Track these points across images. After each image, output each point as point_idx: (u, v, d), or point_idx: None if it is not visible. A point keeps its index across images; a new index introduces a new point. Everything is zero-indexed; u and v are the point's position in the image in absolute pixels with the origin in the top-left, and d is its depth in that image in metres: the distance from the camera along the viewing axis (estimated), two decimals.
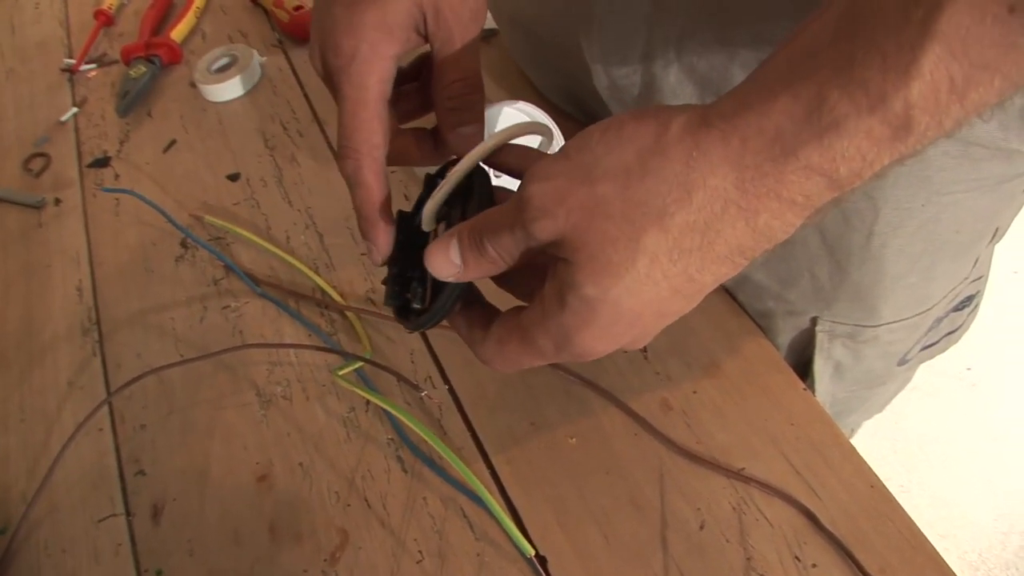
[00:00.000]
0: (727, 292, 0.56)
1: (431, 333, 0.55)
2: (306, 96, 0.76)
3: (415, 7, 0.38)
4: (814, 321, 0.56)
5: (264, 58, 0.79)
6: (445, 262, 0.34)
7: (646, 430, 0.50)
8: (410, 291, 0.38)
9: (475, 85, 0.41)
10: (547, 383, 0.52)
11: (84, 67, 0.85)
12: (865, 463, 0.48)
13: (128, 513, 0.52)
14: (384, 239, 0.40)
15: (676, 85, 0.48)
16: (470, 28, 0.40)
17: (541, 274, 0.33)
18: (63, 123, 0.80)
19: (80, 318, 0.62)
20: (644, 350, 0.53)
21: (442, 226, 0.38)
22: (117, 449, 0.55)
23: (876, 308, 0.54)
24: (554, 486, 0.48)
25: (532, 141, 0.55)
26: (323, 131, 0.72)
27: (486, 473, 0.49)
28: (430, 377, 0.53)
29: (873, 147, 0.25)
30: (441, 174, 0.41)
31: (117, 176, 0.73)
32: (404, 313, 0.39)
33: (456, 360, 0.54)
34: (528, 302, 0.34)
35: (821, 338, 0.57)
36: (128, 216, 0.69)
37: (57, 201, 0.72)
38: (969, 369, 1.56)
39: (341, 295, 0.58)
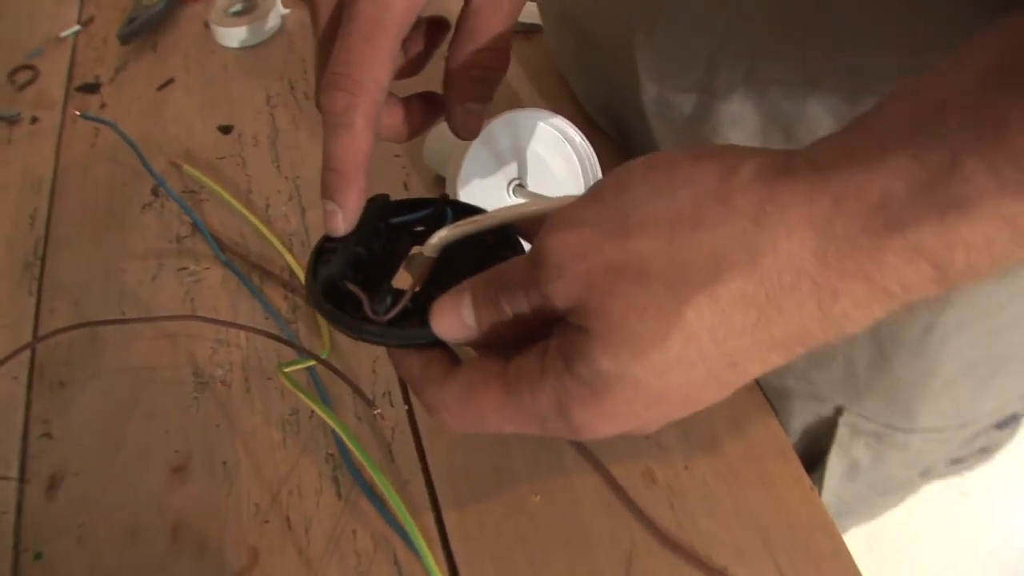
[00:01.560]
0: None
1: None
2: None
3: None
4: (838, 411, 0.49)
5: (287, 10, 0.73)
6: (455, 322, 0.28)
7: (622, 502, 0.43)
8: (370, 291, 0.32)
9: (504, 60, 0.35)
10: None
11: None
12: None
13: (21, 479, 0.45)
14: (355, 203, 0.32)
15: (737, 111, 0.41)
16: None
17: (541, 322, 0.27)
18: (62, 39, 0.74)
19: (25, 250, 0.56)
20: None
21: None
22: (28, 404, 0.48)
23: (914, 411, 0.47)
24: (505, 547, 0.41)
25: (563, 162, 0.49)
26: None
27: (431, 517, 0.42)
28: (389, 392, 0.46)
29: (1009, 239, 0.19)
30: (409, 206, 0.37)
31: (103, 105, 0.67)
32: (340, 306, 0.32)
33: None
34: (509, 351, 0.28)
35: (842, 432, 0.50)
36: (104, 150, 0.62)
37: (34, 119, 0.66)
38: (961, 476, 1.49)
39: None
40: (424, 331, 0.30)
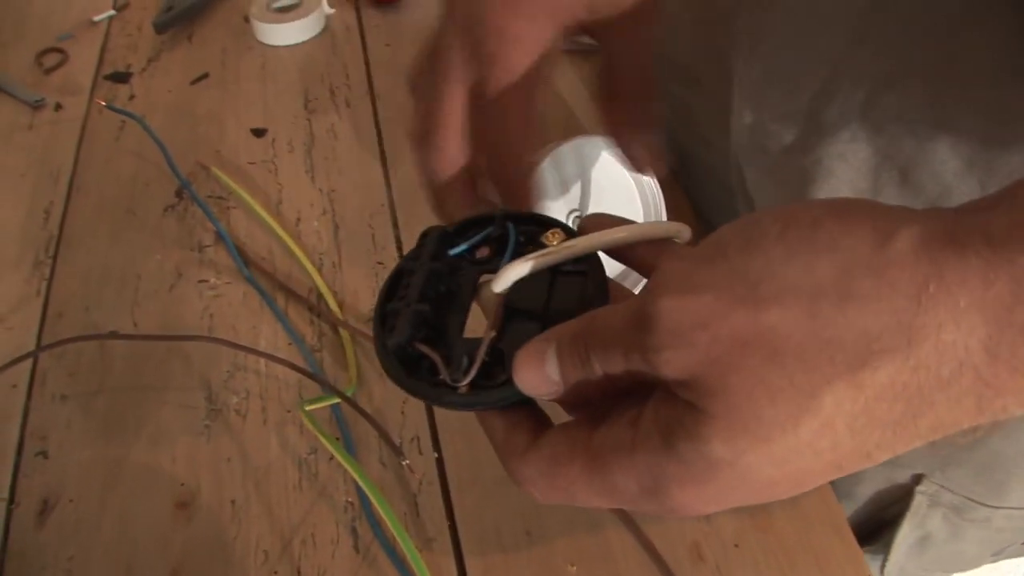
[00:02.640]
0: None
1: None
2: (367, 63, 0.66)
3: None
4: (916, 479, 0.45)
5: (332, 10, 0.70)
6: (538, 377, 0.25)
7: None
8: (443, 351, 0.29)
9: (653, 87, 0.36)
10: None
11: None
12: None
13: (12, 501, 0.41)
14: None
15: (847, 146, 0.37)
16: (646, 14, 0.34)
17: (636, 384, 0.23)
18: (95, 23, 0.71)
19: (37, 247, 0.53)
20: None
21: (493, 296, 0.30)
22: (25, 416, 0.44)
23: (1005, 487, 0.43)
24: None
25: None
26: (374, 106, 0.62)
27: None
28: (418, 438, 0.43)
29: None
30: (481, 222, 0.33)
31: (132, 97, 0.63)
32: (415, 370, 0.29)
33: (455, 425, 0.43)
34: (591, 414, 0.25)
35: (919, 501, 0.45)
36: (129, 144, 0.59)
37: (58, 106, 0.63)
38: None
39: (340, 305, 0.48)
40: (507, 393, 0.28)
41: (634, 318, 0.23)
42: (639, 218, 0.46)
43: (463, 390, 0.28)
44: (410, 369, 0.30)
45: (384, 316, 0.31)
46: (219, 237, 0.52)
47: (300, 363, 0.44)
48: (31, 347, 0.47)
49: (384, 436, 0.41)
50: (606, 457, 0.24)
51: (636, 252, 0.29)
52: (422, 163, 0.36)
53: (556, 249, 0.30)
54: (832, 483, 0.50)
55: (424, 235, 0.33)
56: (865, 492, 0.47)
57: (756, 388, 0.20)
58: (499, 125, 0.34)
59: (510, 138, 0.34)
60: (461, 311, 0.32)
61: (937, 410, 0.19)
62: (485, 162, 0.35)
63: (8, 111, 0.62)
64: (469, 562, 0.39)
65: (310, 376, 0.43)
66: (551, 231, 0.32)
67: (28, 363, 0.46)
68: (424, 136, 0.35)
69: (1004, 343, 0.18)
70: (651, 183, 0.46)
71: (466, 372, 0.28)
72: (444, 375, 0.28)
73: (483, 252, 0.33)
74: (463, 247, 0.33)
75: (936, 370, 0.19)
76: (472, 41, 0.34)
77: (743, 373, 0.20)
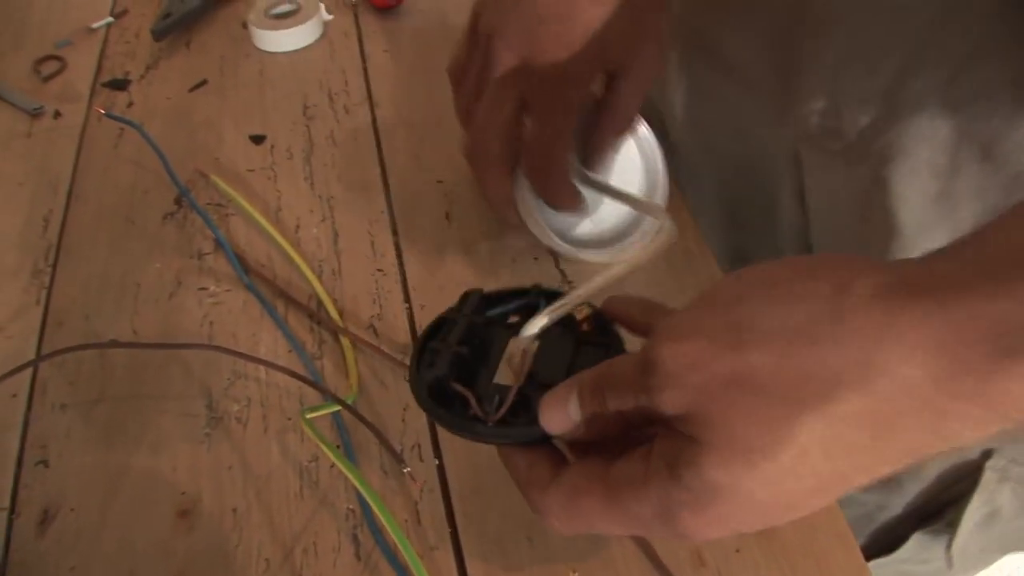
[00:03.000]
0: None
1: None
2: (365, 69, 0.66)
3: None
4: (986, 455, 0.46)
5: (331, 16, 0.70)
6: (561, 416, 0.30)
7: None
8: (478, 390, 0.34)
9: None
10: None
11: None
12: None
13: (12, 511, 0.41)
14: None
15: (927, 125, 0.37)
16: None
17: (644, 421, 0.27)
18: (93, 30, 0.71)
19: (36, 255, 0.53)
20: None
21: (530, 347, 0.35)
22: (25, 425, 0.44)
23: None
24: None
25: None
26: (373, 112, 0.62)
27: None
28: (419, 445, 0.43)
29: None
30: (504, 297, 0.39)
31: (131, 104, 0.63)
32: (447, 405, 0.34)
33: None
34: (610, 450, 0.29)
35: (988, 477, 0.46)
36: (128, 152, 0.59)
37: (56, 114, 0.63)
38: None
39: (340, 313, 0.48)
40: (533, 429, 0.31)
41: (640, 363, 0.26)
42: (639, 172, 0.50)
43: (492, 424, 0.33)
44: (441, 402, 0.34)
45: (422, 352, 0.36)
46: (218, 245, 0.52)
47: (300, 371, 0.44)
48: (31, 356, 0.47)
49: (385, 443, 0.41)
50: (621, 489, 0.27)
51: (631, 312, 0.33)
52: (479, 166, 0.46)
53: (564, 301, 0.35)
54: None
55: (465, 295, 0.38)
56: (932, 471, 0.47)
57: (743, 419, 0.23)
58: (544, 148, 0.43)
59: (553, 155, 0.43)
60: (491, 364, 0.36)
61: (901, 435, 0.22)
62: (525, 165, 0.44)
63: (6, 119, 0.62)
64: (471, 569, 0.39)
65: (311, 384, 0.43)
66: (580, 306, 0.36)
67: (28, 373, 0.46)
68: (481, 144, 0.45)
69: (948, 376, 0.21)
70: (653, 143, 0.49)
71: (497, 409, 0.33)
72: (476, 410, 0.33)
73: (514, 319, 0.38)
74: (499, 310, 0.38)
75: (894, 403, 0.22)
76: (526, 56, 0.43)
77: (731, 406, 0.24)
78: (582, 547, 0.40)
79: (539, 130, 0.43)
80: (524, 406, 0.33)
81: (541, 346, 0.35)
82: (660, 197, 0.49)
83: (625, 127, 0.46)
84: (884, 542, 0.54)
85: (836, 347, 0.22)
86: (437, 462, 0.42)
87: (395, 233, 0.53)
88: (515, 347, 0.36)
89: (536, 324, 0.35)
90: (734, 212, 0.58)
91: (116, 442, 0.43)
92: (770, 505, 0.25)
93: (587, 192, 0.47)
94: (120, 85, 0.65)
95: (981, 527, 0.49)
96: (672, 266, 0.52)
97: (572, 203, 0.45)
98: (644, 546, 0.40)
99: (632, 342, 0.35)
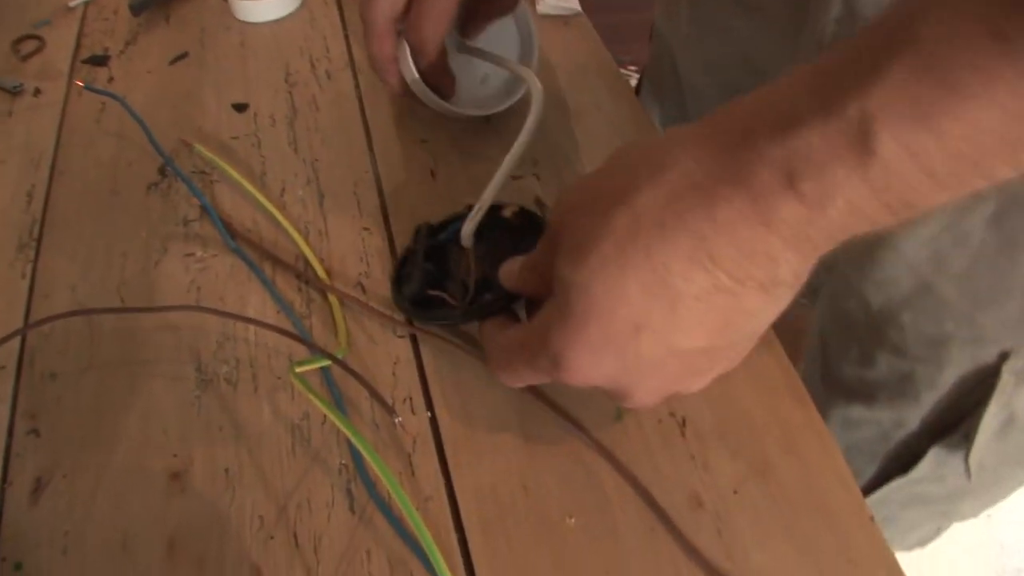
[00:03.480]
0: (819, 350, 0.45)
1: (425, 345, 0.45)
2: (346, 37, 0.65)
3: None
4: (1003, 356, 0.45)
5: None
6: (511, 275, 0.39)
7: (666, 527, 0.38)
8: (448, 290, 0.44)
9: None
10: (553, 440, 0.41)
11: None
12: None
13: (4, 480, 0.41)
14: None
15: None
16: None
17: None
18: (71, 8, 0.70)
19: (20, 230, 0.52)
20: (683, 424, 0.42)
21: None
22: (15, 396, 0.44)
23: None
24: (535, 573, 0.37)
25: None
26: (355, 78, 0.61)
27: (453, 539, 0.38)
28: (411, 398, 0.42)
29: (832, 157, 0.24)
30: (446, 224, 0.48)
31: (111, 79, 0.63)
32: (422, 304, 0.44)
33: (447, 383, 0.43)
34: None
35: (1005, 380, 0.46)
36: (110, 126, 0.59)
37: (37, 91, 0.62)
38: None
39: (327, 272, 0.48)
40: (495, 303, 0.41)
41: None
42: (516, 42, 0.57)
43: (467, 307, 0.42)
44: (422, 308, 0.44)
45: (398, 279, 0.46)
46: (204, 211, 0.51)
47: (289, 329, 0.44)
48: (19, 327, 0.46)
49: (376, 396, 0.41)
50: (529, 331, 0.34)
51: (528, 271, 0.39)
52: (366, 32, 0.50)
53: (480, 203, 0.45)
54: (915, 372, 0.49)
55: (418, 229, 0.47)
56: (949, 378, 0.47)
57: (577, 226, 0.30)
58: (422, 24, 0.47)
59: (428, 33, 0.48)
60: (451, 272, 0.45)
61: (684, 220, 0.27)
62: (406, 39, 0.49)
63: None
64: (466, 518, 0.38)
65: (299, 340, 0.43)
66: (507, 207, 0.47)
67: (16, 343, 0.46)
68: (369, 10, 0.49)
69: (707, 158, 0.27)
70: (524, 9, 0.55)
71: (465, 297, 0.43)
72: (452, 302, 0.43)
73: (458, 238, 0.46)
74: (444, 235, 0.47)
75: (674, 185, 0.28)
76: None
77: (573, 222, 0.31)
78: (578, 494, 0.39)
79: (420, 6, 0.46)
80: (487, 288, 0.42)
81: (487, 246, 0.45)
82: (533, 64, 0.54)
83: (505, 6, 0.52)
84: (900, 461, 0.54)
85: (641, 162, 0.29)
86: (429, 414, 0.42)
87: (380, 193, 0.52)
88: (461, 252, 0.45)
89: (468, 229, 0.44)
90: None
91: (106, 408, 0.43)
92: (613, 311, 0.29)
93: (468, 58, 0.54)
94: (100, 61, 0.64)
95: (998, 435, 0.49)
96: None
97: (443, 80, 0.51)
98: (640, 490, 0.40)
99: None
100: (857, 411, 0.54)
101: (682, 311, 0.28)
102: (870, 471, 0.57)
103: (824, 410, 0.55)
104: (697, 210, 0.27)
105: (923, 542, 0.65)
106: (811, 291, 0.71)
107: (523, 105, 0.56)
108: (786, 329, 0.57)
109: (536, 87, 0.49)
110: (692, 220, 0.27)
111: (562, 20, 0.65)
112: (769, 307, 0.29)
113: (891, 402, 0.51)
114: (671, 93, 0.68)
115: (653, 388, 0.32)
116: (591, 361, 0.31)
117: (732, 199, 0.26)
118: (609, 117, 0.58)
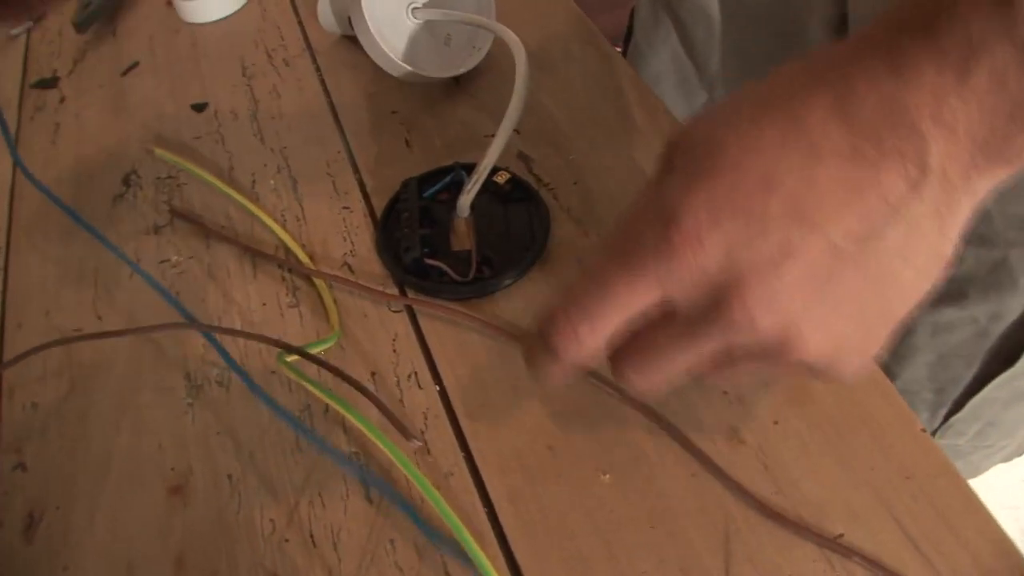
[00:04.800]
0: None
1: (424, 316, 0.42)
2: (300, 22, 0.62)
3: None
4: None
5: None
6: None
7: (708, 470, 0.36)
8: (447, 260, 0.42)
9: None
10: (574, 396, 0.38)
11: None
12: (1008, 537, 0.34)
13: None
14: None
15: None
16: None
17: None
18: (13, 37, 0.67)
19: None
20: None
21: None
22: None
23: None
24: (576, 540, 0.34)
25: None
26: (315, 61, 0.58)
27: (482, 514, 0.35)
28: (415, 372, 0.39)
29: (973, 10, 0.23)
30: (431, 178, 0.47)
31: (63, 99, 0.60)
32: (424, 278, 0.42)
33: (452, 351, 0.40)
34: None
35: None
36: (67, 145, 0.56)
37: None
38: None
39: (311, 256, 0.45)
40: (500, 279, 0.42)
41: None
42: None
43: (470, 282, 0.41)
44: (419, 277, 0.42)
45: (388, 241, 0.44)
46: (173, 216, 0.48)
47: (277, 320, 0.41)
48: None
49: (388, 414, 0.38)
50: (635, 214, 0.27)
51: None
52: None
53: (478, 171, 0.43)
54: (1008, 258, 0.46)
55: (406, 183, 0.46)
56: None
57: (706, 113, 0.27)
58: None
59: None
60: (443, 236, 0.44)
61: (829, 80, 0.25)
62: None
63: None
64: (492, 490, 0.35)
65: (283, 347, 0.40)
66: (500, 172, 0.45)
67: None
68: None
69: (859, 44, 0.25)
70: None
71: (470, 271, 0.42)
72: (453, 276, 0.41)
73: (443, 196, 0.46)
74: (433, 189, 0.46)
75: (831, 50, 0.26)
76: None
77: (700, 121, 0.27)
78: (609, 449, 0.36)
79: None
80: (487, 263, 0.42)
81: (477, 212, 0.44)
82: (492, 15, 0.52)
83: None
84: (1002, 356, 0.51)
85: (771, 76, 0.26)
86: (438, 387, 0.39)
87: (356, 170, 0.49)
88: (457, 221, 0.44)
89: (467, 200, 0.44)
90: (757, 65, 0.56)
91: (94, 431, 0.40)
92: (745, 162, 0.25)
93: (428, 21, 0.51)
94: (49, 83, 0.61)
95: None
96: (650, 152, 0.48)
97: None
98: (676, 435, 0.37)
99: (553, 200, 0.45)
100: (948, 314, 0.50)
101: (821, 172, 0.25)
102: (968, 375, 0.54)
103: (908, 321, 0.53)
104: (837, 68, 0.25)
105: (1022, 448, 0.62)
106: None
107: (490, 60, 0.54)
108: None
109: (513, 40, 0.46)
110: (832, 76, 0.25)
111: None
112: (913, 214, 0.25)
113: (985, 295, 0.48)
114: (669, 32, 0.66)
115: (773, 288, 0.25)
116: (710, 219, 0.25)
117: (874, 57, 0.24)
118: (582, 65, 0.55)
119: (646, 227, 0.26)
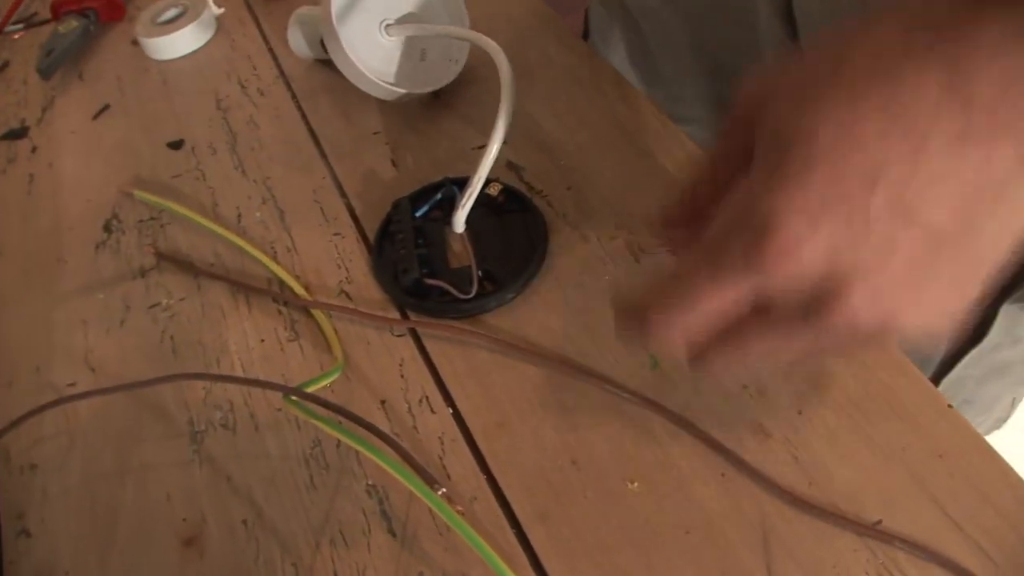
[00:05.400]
0: None
1: (429, 338, 0.41)
2: (271, 50, 0.61)
3: None
4: None
5: (221, 9, 0.65)
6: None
7: (737, 468, 0.35)
8: (446, 278, 0.41)
9: None
10: (592, 406, 0.37)
11: (9, 27, 0.71)
12: None
13: None
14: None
15: None
16: None
17: None
18: None
19: None
20: None
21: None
22: None
23: None
24: (611, 555, 0.33)
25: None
26: (290, 88, 0.57)
27: (511, 537, 0.34)
28: (427, 397, 0.38)
29: None
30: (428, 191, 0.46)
31: (35, 149, 0.58)
32: (424, 299, 0.41)
33: (462, 372, 0.39)
34: None
35: None
36: (42, 196, 0.54)
37: None
38: None
39: (306, 287, 0.43)
40: (503, 295, 0.41)
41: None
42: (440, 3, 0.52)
43: (472, 299, 0.40)
44: (419, 298, 0.41)
45: (384, 264, 0.43)
46: (159, 258, 0.47)
47: (278, 356, 0.40)
48: None
49: (409, 459, 0.37)
50: (724, 214, 0.25)
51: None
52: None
53: (471, 185, 0.43)
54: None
55: (396, 204, 0.45)
56: None
57: (793, 78, 0.24)
58: None
59: None
60: (440, 254, 0.43)
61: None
62: None
63: None
64: (519, 511, 0.34)
65: (288, 391, 0.38)
66: (491, 184, 0.45)
67: None
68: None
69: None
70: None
71: (472, 288, 0.40)
72: (456, 294, 0.40)
73: (435, 214, 0.45)
74: (424, 209, 0.45)
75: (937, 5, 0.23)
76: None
77: (788, 81, 0.24)
78: (634, 455, 0.35)
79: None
80: (488, 278, 0.41)
81: (472, 226, 0.43)
82: (466, 24, 0.51)
83: None
84: (972, 331, 0.50)
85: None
86: (451, 410, 0.38)
87: (343, 195, 0.48)
88: (453, 238, 0.44)
89: (462, 215, 0.43)
90: (710, 59, 0.55)
91: (99, 488, 0.38)
92: (845, 157, 0.23)
93: (403, 37, 0.50)
94: (18, 134, 0.60)
95: None
96: (640, 148, 0.48)
97: None
98: (700, 435, 0.36)
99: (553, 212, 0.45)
100: None
101: (925, 161, 0.23)
102: (939, 353, 0.53)
103: None
104: (946, 37, 0.22)
105: (1000, 422, 0.62)
106: None
107: (468, 72, 0.53)
108: None
109: (493, 48, 0.45)
110: (943, 49, 0.22)
111: None
112: (1019, 187, 0.23)
113: None
114: (623, 32, 0.65)
115: (876, 286, 0.24)
116: (809, 225, 0.23)
117: (994, 21, 0.21)
118: (563, 67, 0.54)
119: (736, 234, 0.24)
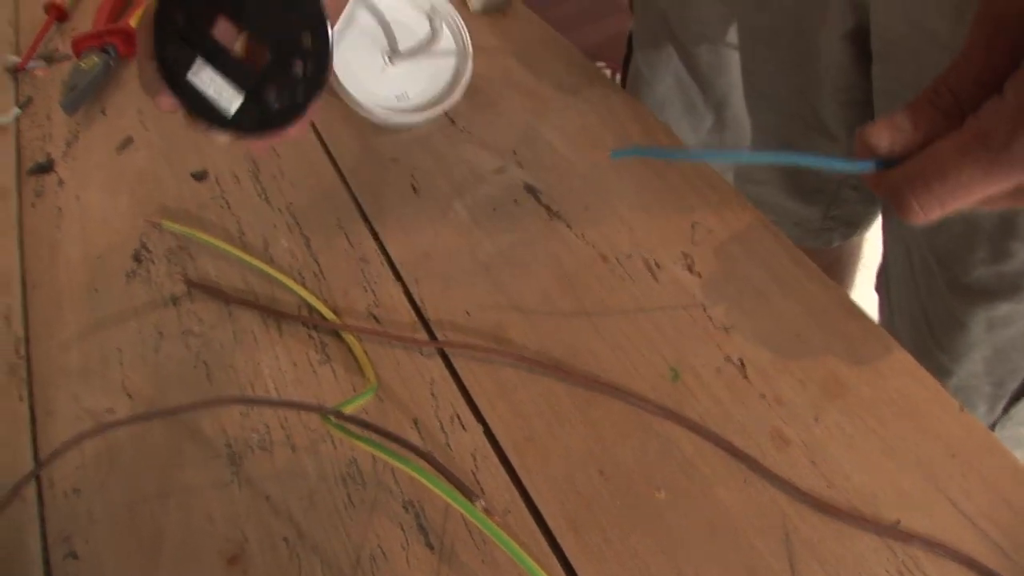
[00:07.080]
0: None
1: (458, 357, 0.42)
2: None
3: None
4: None
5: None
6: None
7: (758, 473, 0.36)
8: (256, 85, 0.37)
9: None
10: (616, 418, 0.39)
11: (31, 64, 0.73)
12: None
13: None
14: None
15: None
16: None
17: None
18: (3, 127, 0.67)
19: (6, 352, 0.49)
20: (742, 366, 0.40)
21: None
22: (42, 522, 0.41)
23: None
24: (641, 560, 0.34)
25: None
26: None
27: (545, 546, 0.35)
28: (458, 415, 0.40)
29: None
30: None
31: (61, 182, 0.60)
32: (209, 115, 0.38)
33: (490, 389, 0.40)
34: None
35: None
36: (72, 229, 0.56)
37: None
38: None
39: (335, 311, 0.45)
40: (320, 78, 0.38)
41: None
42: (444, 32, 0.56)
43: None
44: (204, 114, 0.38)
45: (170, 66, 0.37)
46: (190, 286, 0.48)
47: (311, 379, 0.41)
48: (26, 454, 0.43)
49: (451, 478, 0.38)
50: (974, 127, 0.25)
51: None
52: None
53: None
54: None
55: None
56: None
57: None
58: None
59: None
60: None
61: None
62: None
63: None
64: (551, 521, 0.36)
65: (319, 410, 0.40)
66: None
67: (30, 469, 0.43)
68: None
69: None
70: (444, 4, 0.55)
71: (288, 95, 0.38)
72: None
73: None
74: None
75: None
76: None
77: None
78: (659, 465, 0.37)
79: None
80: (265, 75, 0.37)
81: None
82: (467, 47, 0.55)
83: None
84: None
85: None
86: (482, 426, 0.39)
87: (367, 220, 0.50)
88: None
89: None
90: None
91: (142, 510, 0.40)
92: None
93: (408, 67, 0.53)
94: (45, 168, 0.62)
95: None
96: (654, 167, 0.49)
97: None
98: (722, 443, 0.37)
99: None
100: (1003, 308, 0.50)
101: None
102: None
103: (962, 318, 0.52)
104: None
105: None
106: (847, 223, 0.69)
107: (478, 97, 0.55)
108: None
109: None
110: None
111: (499, 13, 0.64)
112: None
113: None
114: (670, 56, 0.66)
115: None
116: None
117: None
118: (574, 92, 0.56)
119: (1012, 131, 0.25)
